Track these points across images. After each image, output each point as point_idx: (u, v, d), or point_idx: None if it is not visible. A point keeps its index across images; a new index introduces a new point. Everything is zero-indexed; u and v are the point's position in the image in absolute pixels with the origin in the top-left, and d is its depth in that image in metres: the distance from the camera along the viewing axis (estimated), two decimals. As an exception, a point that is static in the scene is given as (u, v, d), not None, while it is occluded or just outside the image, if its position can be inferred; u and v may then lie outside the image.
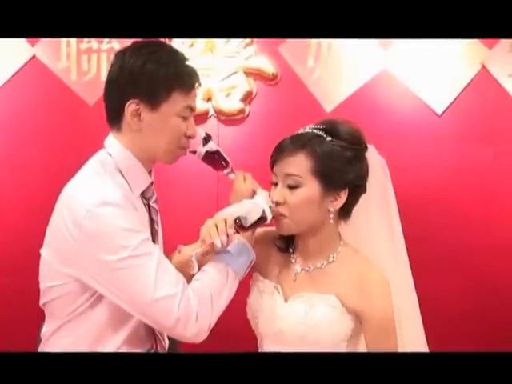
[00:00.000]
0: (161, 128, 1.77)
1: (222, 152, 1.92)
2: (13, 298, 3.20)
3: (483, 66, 3.11)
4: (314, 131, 1.78)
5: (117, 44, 3.24)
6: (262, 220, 1.75)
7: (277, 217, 1.78)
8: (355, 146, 1.79)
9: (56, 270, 1.72)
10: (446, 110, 3.13)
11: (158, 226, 1.91)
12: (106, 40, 3.30)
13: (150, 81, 1.74)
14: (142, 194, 1.83)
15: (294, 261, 1.88)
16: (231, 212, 1.74)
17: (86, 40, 3.31)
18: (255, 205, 1.76)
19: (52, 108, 3.33)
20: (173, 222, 2.82)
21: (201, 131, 1.88)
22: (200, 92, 3.21)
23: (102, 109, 1.85)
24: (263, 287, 1.88)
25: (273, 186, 1.81)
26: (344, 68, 3.20)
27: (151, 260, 1.66)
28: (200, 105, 3.19)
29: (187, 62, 1.82)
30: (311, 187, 1.74)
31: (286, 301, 1.83)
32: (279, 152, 1.78)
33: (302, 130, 1.81)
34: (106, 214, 1.64)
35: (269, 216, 1.75)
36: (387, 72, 3.17)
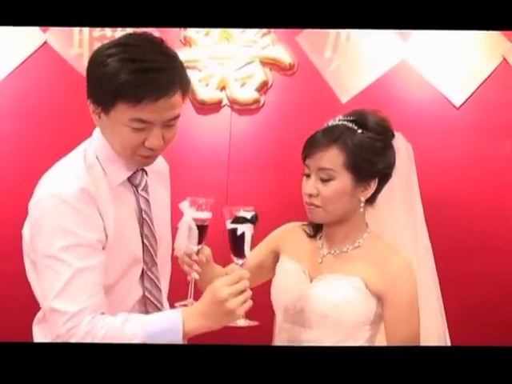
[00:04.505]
0: (112, 133, 1.71)
1: (249, 243, 1.77)
2: (13, 284, 3.17)
3: (504, 59, 3.08)
4: (345, 123, 1.85)
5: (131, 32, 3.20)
6: (202, 229, 1.81)
7: (310, 207, 1.85)
8: (384, 137, 1.86)
9: (28, 245, 1.75)
10: (464, 102, 3.11)
11: (148, 215, 1.83)
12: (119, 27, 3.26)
13: (99, 86, 1.64)
14: (131, 182, 1.79)
15: (320, 245, 1.95)
16: (179, 244, 1.82)
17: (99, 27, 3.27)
18: (185, 225, 1.80)
19: (63, 95, 3.29)
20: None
21: (253, 212, 1.74)
22: (215, 80, 3.21)
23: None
24: (290, 268, 1.94)
25: (305, 177, 1.88)
26: (362, 59, 3.18)
27: (67, 271, 1.63)
28: (214, 94, 3.17)
29: (161, 72, 1.62)
30: (343, 180, 1.82)
31: (310, 281, 1.90)
32: (312, 146, 1.85)
33: (332, 122, 1.88)
34: (50, 207, 1.65)
35: (194, 228, 1.80)
36: (406, 63, 3.14)
